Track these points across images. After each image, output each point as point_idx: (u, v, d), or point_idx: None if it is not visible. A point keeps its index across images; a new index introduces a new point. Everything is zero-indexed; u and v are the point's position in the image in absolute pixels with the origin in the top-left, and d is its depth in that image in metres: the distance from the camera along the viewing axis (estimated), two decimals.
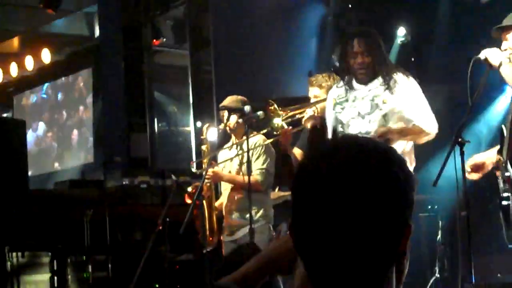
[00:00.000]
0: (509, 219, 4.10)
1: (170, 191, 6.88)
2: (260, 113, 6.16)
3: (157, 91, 10.35)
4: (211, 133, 6.85)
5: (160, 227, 6.16)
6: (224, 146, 6.33)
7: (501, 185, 4.25)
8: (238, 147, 6.13)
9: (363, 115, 4.82)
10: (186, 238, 6.15)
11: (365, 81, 4.87)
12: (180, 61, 9.91)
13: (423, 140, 4.82)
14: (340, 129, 4.91)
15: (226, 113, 6.14)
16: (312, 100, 5.58)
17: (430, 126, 4.74)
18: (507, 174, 4.18)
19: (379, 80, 4.85)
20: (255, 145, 5.94)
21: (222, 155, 6.32)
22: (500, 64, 4.17)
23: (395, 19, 9.60)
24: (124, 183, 8.20)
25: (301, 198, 1.48)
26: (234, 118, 6.09)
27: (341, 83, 4.97)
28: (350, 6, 10.00)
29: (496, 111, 7.50)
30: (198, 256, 7.06)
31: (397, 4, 9.57)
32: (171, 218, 6.18)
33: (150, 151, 9.93)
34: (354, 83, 4.91)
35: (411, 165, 4.79)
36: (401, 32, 9.68)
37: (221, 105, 6.22)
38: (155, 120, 10.24)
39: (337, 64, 5.31)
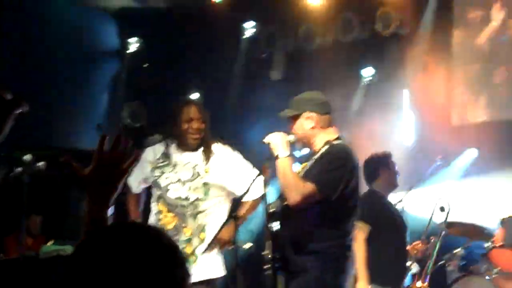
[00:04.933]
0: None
1: None
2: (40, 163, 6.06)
3: None
4: None
5: None
6: None
7: None
8: None
9: (184, 181, 4.92)
10: None
11: (191, 148, 5.00)
12: None
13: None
14: (158, 192, 4.97)
15: None
16: None
17: (259, 188, 4.73)
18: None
19: (200, 150, 5.00)
20: None
21: None
22: (277, 157, 4.30)
23: (187, 85, 9.84)
24: None
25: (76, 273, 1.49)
26: None
27: (160, 147, 5.05)
28: (145, 65, 10.12)
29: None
30: None
31: (191, 71, 9.80)
32: None
33: None
34: (175, 149, 5.03)
35: None
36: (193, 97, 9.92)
37: None
38: None
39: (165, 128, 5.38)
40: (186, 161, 4.99)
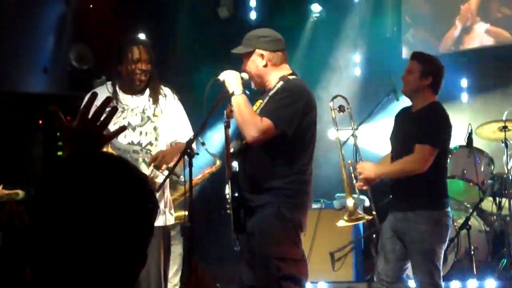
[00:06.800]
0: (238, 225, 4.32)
1: None
2: None
3: None
4: None
5: None
6: None
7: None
8: None
9: (134, 126, 4.78)
10: None
11: (137, 91, 4.84)
12: None
13: None
14: None
15: None
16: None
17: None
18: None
19: (147, 92, 4.85)
20: None
21: None
22: (233, 94, 4.30)
23: (133, 25, 9.69)
24: None
25: (42, 207, 1.44)
26: None
27: (104, 90, 4.78)
28: (91, 6, 9.91)
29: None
30: None
31: (137, 10, 9.64)
32: None
33: None
34: (121, 94, 4.84)
35: None
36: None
37: None
38: None
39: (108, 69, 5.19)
40: (134, 105, 4.83)
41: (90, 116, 1.89)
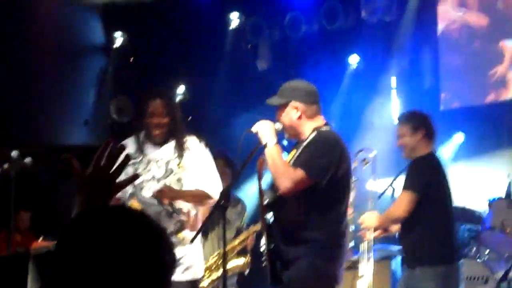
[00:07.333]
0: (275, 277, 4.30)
1: None
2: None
3: None
4: None
5: None
6: None
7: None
8: None
9: (158, 178, 4.77)
10: None
11: (158, 143, 4.82)
12: None
13: (207, 204, 4.84)
14: (130, 190, 4.76)
15: None
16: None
17: (215, 191, 4.72)
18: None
19: (172, 144, 4.83)
20: None
21: None
22: (265, 145, 4.29)
23: (173, 78, 9.81)
24: None
25: (65, 254, 1.46)
26: None
27: (132, 142, 4.84)
28: (131, 59, 10.08)
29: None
30: None
31: (177, 64, 9.77)
32: None
33: None
34: (147, 145, 4.85)
35: None
36: (180, 89, 9.88)
37: None
38: None
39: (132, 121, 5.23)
40: (158, 157, 4.81)
41: (102, 164, 1.90)
